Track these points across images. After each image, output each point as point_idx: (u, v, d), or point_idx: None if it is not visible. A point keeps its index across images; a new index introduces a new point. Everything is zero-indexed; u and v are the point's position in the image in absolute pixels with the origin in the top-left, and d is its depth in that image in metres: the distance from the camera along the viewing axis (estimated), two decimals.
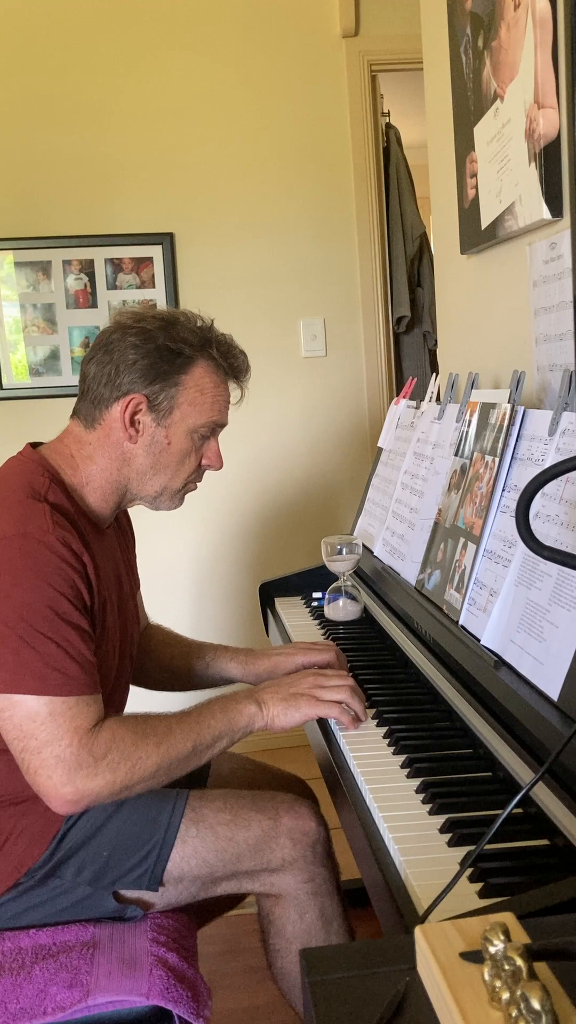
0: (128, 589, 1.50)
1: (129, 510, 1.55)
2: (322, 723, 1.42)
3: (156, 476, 1.40)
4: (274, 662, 1.61)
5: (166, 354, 1.35)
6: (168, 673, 1.67)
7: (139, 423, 1.36)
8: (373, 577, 1.90)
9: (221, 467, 1.46)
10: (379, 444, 2.24)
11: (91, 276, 3.04)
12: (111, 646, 1.39)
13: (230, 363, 1.42)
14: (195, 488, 1.47)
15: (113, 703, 1.45)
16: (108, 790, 1.22)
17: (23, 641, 1.19)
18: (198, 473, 1.45)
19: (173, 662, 1.67)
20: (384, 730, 1.33)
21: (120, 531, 1.53)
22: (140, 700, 1.74)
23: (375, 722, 1.37)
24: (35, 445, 1.42)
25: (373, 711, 1.40)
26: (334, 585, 1.91)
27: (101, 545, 1.39)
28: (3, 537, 1.23)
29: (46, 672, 1.19)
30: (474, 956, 0.62)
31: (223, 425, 1.44)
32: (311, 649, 1.61)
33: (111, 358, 1.36)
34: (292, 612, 2.04)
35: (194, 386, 1.38)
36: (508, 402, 1.40)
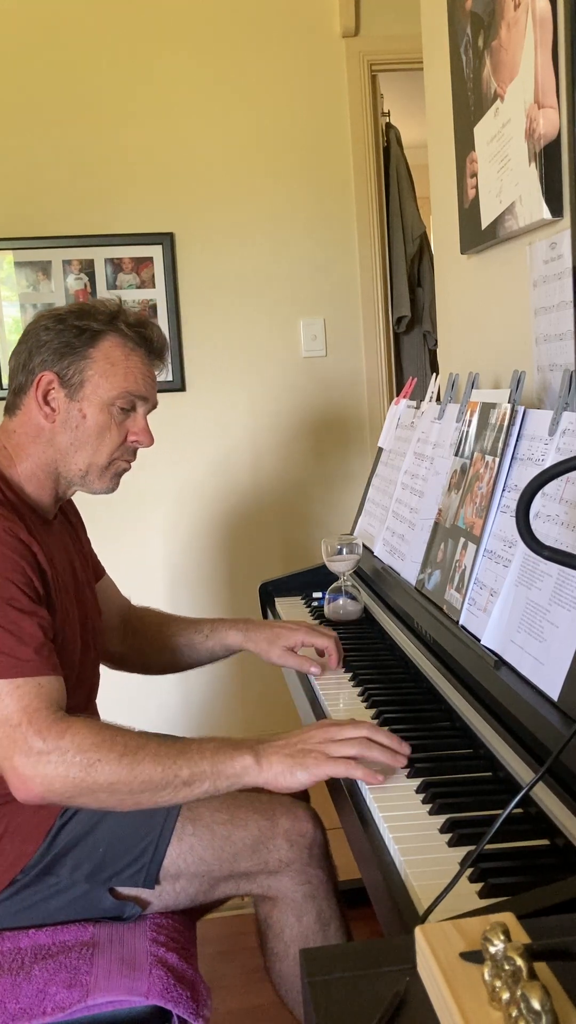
0: (84, 579, 1.52)
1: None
2: (319, 719, 1.42)
3: (78, 453, 1.41)
4: (276, 632, 1.64)
5: (74, 331, 1.39)
6: (169, 652, 1.68)
7: (53, 400, 1.39)
8: (373, 577, 1.90)
9: (151, 443, 1.45)
10: (379, 444, 2.24)
11: (91, 276, 3.04)
12: (71, 633, 1.41)
13: (139, 333, 1.43)
14: (128, 467, 1.47)
15: (80, 693, 1.45)
16: (61, 784, 1.18)
17: None
18: (124, 449, 1.45)
19: (172, 640, 1.68)
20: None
21: (68, 523, 1.55)
22: (153, 687, 1.74)
23: (375, 722, 1.37)
24: None
25: (374, 711, 1.40)
26: (334, 585, 1.91)
27: (50, 535, 1.42)
28: None
29: None
30: (474, 956, 0.61)
31: (144, 399, 1.44)
32: (314, 630, 1.64)
33: (26, 345, 1.41)
34: (292, 612, 2.04)
35: (103, 358, 1.40)
36: (508, 402, 1.40)
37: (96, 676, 1.55)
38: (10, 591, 1.23)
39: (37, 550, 1.31)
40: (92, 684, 1.53)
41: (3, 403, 1.45)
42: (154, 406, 1.47)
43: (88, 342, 1.39)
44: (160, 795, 1.21)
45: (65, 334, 1.39)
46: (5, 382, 2.99)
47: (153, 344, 1.46)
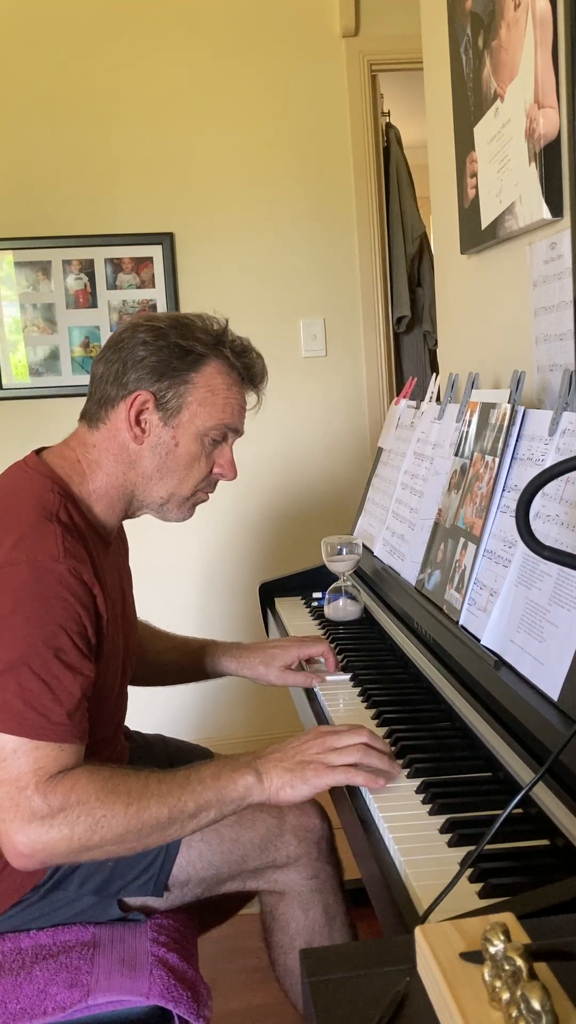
0: (129, 596, 1.48)
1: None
2: (320, 720, 1.42)
3: (163, 481, 1.34)
4: (269, 654, 1.61)
5: (176, 351, 1.30)
6: (154, 669, 1.65)
7: (145, 422, 1.30)
8: (373, 577, 1.90)
9: (234, 477, 1.39)
10: (379, 444, 2.24)
11: (91, 276, 3.04)
12: (115, 665, 1.35)
13: (244, 363, 1.36)
14: (206, 499, 1.41)
15: (114, 719, 1.43)
16: (65, 846, 1.12)
17: (9, 673, 1.12)
18: (209, 482, 1.38)
19: (160, 657, 1.65)
20: (384, 730, 1.33)
21: (121, 539, 1.49)
22: (157, 688, 1.72)
23: (375, 722, 1.37)
24: (39, 451, 1.36)
25: (374, 711, 1.40)
26: (334, 585, 1.91)
27: (108, 560, 1.34)
28: (10, 563, 1.16)
29: (25, 711, 1.11)
30: (474, 956, 0.62)
31: (237, 431, 1.37)
32: (304, 642, 1.63)
33: (119, 356, 1.31)
34: (292, 612, 2.04)
35: (205, 385, 1.31)
36: (508, 402, 1.40)
37: (126, 702, 1.49)
38: (61, 641, 1.15)
39: (98, 592, 1.22)
40: (123, 712, 1.48)
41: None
42: (240, 435, 1.40)
43: (191, 365, 1.30)
44: (168, 832, 1.18)
45: (165, 352, 1.29)
46: (6, 382, 3.01)
47: (255, 376, 1.38)
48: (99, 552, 1.30)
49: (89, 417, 1.35)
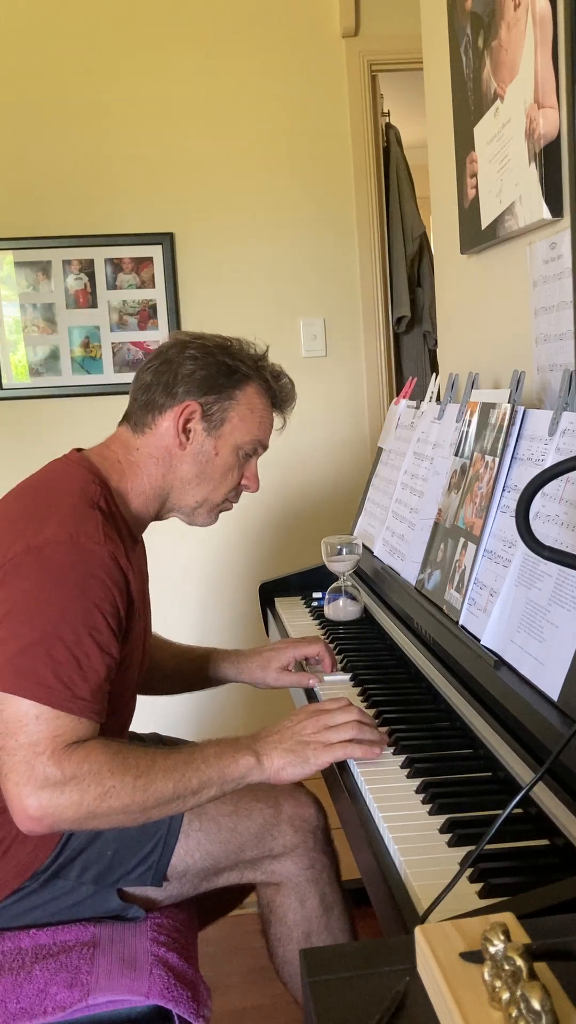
0: (148, 599, 1.51)
1: None
2: None
3: (199, 486, 1.43)
4: (265, 657, 1.64)
5: (224, 369, 1.41)
6: (160, 677, 1.67)
7: (191, 431, 1.40)
8: (373, 577, 1.90)
9: (257, 489, 1.51)
10: (379, 444, 2.24)
11: (91, 276, 3.04)
12: (136, 657, 1.39)
13: (280, 386, 1.49)
14: (231, 508, 1.51)
15: (129, 710, 1.45)
16: (73, 812, 1.16)
17: (42, 644, 1.17)
18: (236, 492, 1.48)
19: (164, 665, 1.68)
20: (385, 730, 1.33)
21: (143, 541, 1.53)
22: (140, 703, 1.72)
23: (376, 722, 1.37)
24: (79, 450, 1.44)
25: (374, 711, 1.40)
26: (334, 585, 1.91)
27: (136, 555, 1.40)
28: (54, 541, 1.22)
29: (53, 682, 1.16)
30: (474, 956, 0.62)
31: (265, 447, 1.50)
32: (299, 642, 1.64)
33: (170, 367, 1.41)
34: (292, 612, 2.04)
35: (246, 403, 1.43)
36: (508, 402, 1.40)
37: (136, 700, 1.51)
38: (95, 620, 1.21)
39: (132, 577, 1.29)
40: (133, 708, 1.51)
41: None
42: (266, 451, 1.51)
43: (236, 384, 1.42)
44: (170, 807, 1.23)
45: (213, 368, 1.41)
46: (6, 382, 3.01)
47: (286, 399, 1.51)
48: (129, 546, 1.36)
49: (134, 421, 1.43)
